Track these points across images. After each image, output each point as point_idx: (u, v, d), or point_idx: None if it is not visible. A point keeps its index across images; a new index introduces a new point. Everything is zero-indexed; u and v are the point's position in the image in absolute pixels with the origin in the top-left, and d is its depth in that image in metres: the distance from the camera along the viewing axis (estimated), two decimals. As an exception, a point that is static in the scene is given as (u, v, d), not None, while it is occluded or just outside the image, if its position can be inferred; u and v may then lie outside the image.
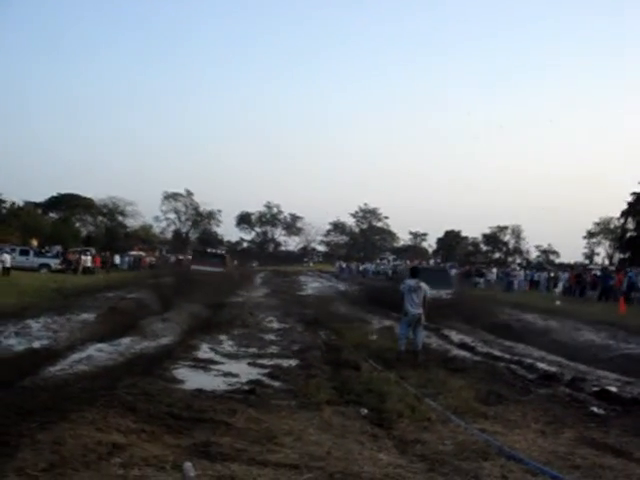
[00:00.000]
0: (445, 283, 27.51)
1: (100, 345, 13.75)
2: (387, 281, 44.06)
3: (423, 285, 13.54)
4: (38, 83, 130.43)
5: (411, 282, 13.52)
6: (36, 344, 13.51)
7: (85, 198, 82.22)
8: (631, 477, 6.21)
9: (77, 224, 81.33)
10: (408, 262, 60.33)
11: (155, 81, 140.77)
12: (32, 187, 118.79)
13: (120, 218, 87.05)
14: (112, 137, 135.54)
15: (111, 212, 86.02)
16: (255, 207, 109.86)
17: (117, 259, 55.15)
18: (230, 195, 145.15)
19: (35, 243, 51.05)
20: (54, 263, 44.34)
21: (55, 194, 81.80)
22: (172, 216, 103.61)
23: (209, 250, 52.57)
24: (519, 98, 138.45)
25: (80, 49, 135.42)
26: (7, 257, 34.96)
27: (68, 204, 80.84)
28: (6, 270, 33.66)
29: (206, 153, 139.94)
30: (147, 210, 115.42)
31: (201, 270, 34.53)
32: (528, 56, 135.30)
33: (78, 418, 6.70)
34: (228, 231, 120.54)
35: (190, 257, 59.15)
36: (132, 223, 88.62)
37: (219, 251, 53.93)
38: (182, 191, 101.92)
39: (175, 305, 24.18)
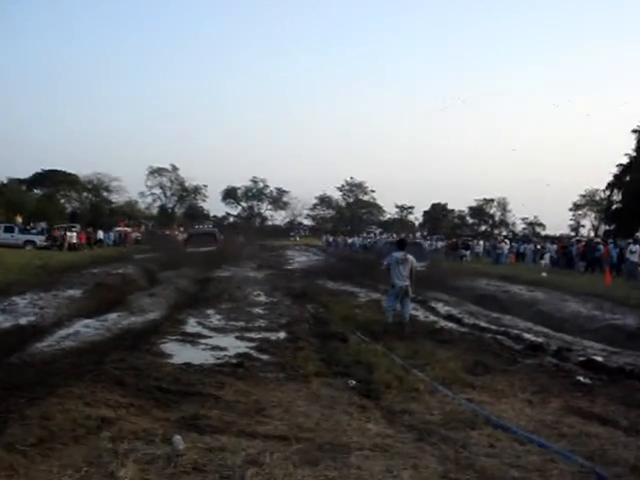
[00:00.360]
0: (420, 256, 28.16)
1: (87, 321, 13.75)
2: (364, 253, 48.41)
3: (410, 257, 13.56)
4: (18, 59, 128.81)
5: (398, 254, 13.52)
6: (22, 320, 13.47)
7: (70, 174, 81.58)
8: (617, 445, 6.26)
9: (62, 200, 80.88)
10: (394, 235, 60.87)
11: (138, 55, 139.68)
12: (16, 164, 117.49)
13: (105, 194, 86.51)
14: (96, 112, 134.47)
15: (96, 188, 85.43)
16: (241, 182, 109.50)
17: (100, 234, 54.73)
18: (216, 170, 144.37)
19: (20, 220, 50.66)
20: (39, 240, 44.07)
21: (39, 170, 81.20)
22: (157, 191, 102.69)
23: (199, 227, 53.21)
24: (510, 70, 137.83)
25: (61, 25, 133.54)
26: None
27: (52, 180, 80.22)
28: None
29: (191, 128, 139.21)
30: (132, 186, 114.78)
31: (196, 251, 36.73)
32: (517, 31, 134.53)
33: (66, 393, 6.69)
34: (214, 206, 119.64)
35: (177, 233, 59.87)
36: (117, 199, 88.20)
37: (208, 227, 54.56)
38: (167, 166, 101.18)
39: (162, 280, 24.22)
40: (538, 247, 43.07)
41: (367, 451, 5.59)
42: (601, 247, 33.63)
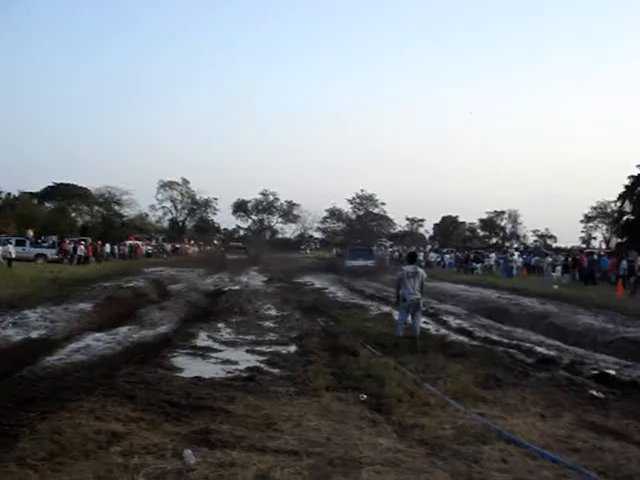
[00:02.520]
0: (370, 257, 46.24)
1: (98, 334, 13.79)
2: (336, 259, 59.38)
3: (420, 271, 13.47)
4: (33, 73, 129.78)
5: (408, 268, 13.44)
6: (34, 334, 13.53)
7: (81, 188, 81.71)
8: (631, 459, 6.19)
9: (73, 214, 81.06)
10: (404, 248, 61.55)
11: (149, 70, 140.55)
12: (27, 177, 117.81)
13: (116, 207, 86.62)
14: (107, 126, 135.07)
15: (107, 201, 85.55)
16: (252, 195, 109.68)
17: (107, 248, 55.30)
18: (226, 183, 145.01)
19: (31, 233, 50.76)
20: (50, 253, 44.27)
21: (51, 184, 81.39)
22: (168, 205, 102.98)
23: (235, 244, 73.57)
24: (517, 83, 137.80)
25: (74, 39, 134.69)
26: (12, 249, 35.11)
27: (64, 194, 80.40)
28: (10, 262, 33.60)
29: (202, 141, 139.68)
30: (143, 199, 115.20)
31: (234, 259, 53.30)
32: (527, 43, 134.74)
33: (77, 407, 6.70)
34: (225, 219, 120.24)
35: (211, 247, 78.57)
36: (128, 212, 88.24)
37: (238, 243, 75.73)
38: (178, 179, 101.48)
39: (173, 293, 24.29)
40: (549, 259, 42.86)
41: (378, 466, 5.55)
42: (606, 259, 33.51)
